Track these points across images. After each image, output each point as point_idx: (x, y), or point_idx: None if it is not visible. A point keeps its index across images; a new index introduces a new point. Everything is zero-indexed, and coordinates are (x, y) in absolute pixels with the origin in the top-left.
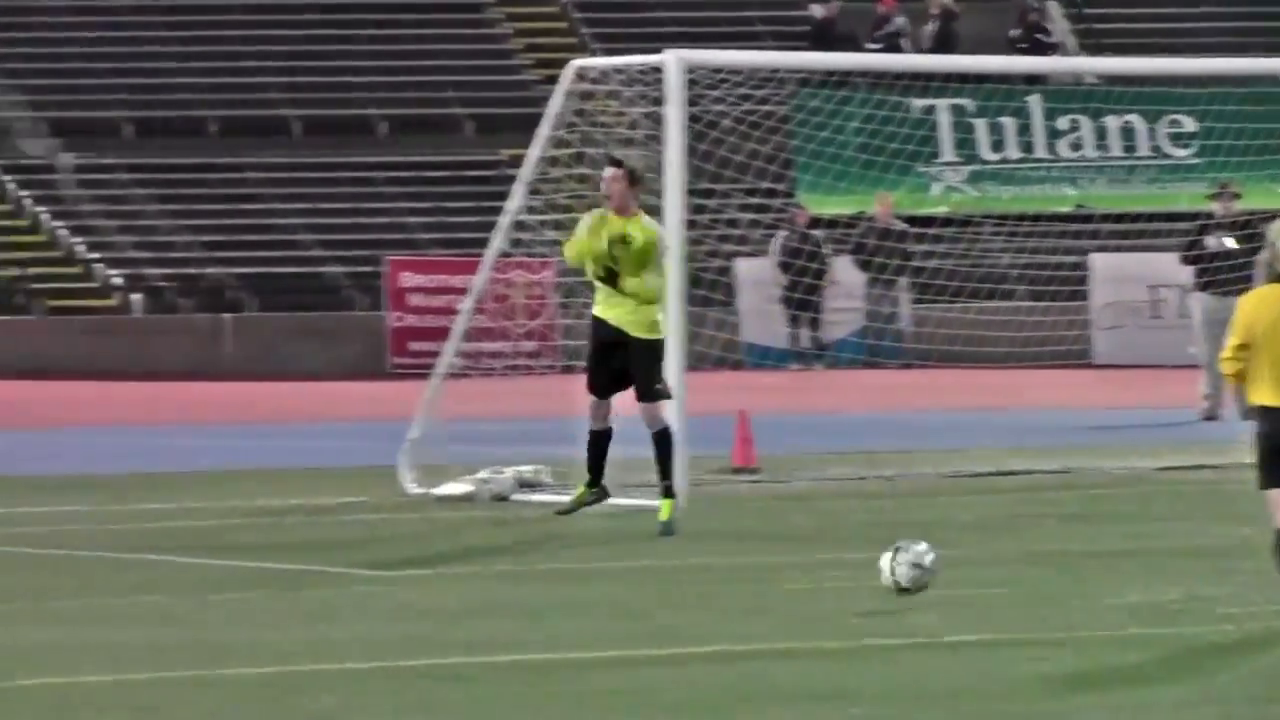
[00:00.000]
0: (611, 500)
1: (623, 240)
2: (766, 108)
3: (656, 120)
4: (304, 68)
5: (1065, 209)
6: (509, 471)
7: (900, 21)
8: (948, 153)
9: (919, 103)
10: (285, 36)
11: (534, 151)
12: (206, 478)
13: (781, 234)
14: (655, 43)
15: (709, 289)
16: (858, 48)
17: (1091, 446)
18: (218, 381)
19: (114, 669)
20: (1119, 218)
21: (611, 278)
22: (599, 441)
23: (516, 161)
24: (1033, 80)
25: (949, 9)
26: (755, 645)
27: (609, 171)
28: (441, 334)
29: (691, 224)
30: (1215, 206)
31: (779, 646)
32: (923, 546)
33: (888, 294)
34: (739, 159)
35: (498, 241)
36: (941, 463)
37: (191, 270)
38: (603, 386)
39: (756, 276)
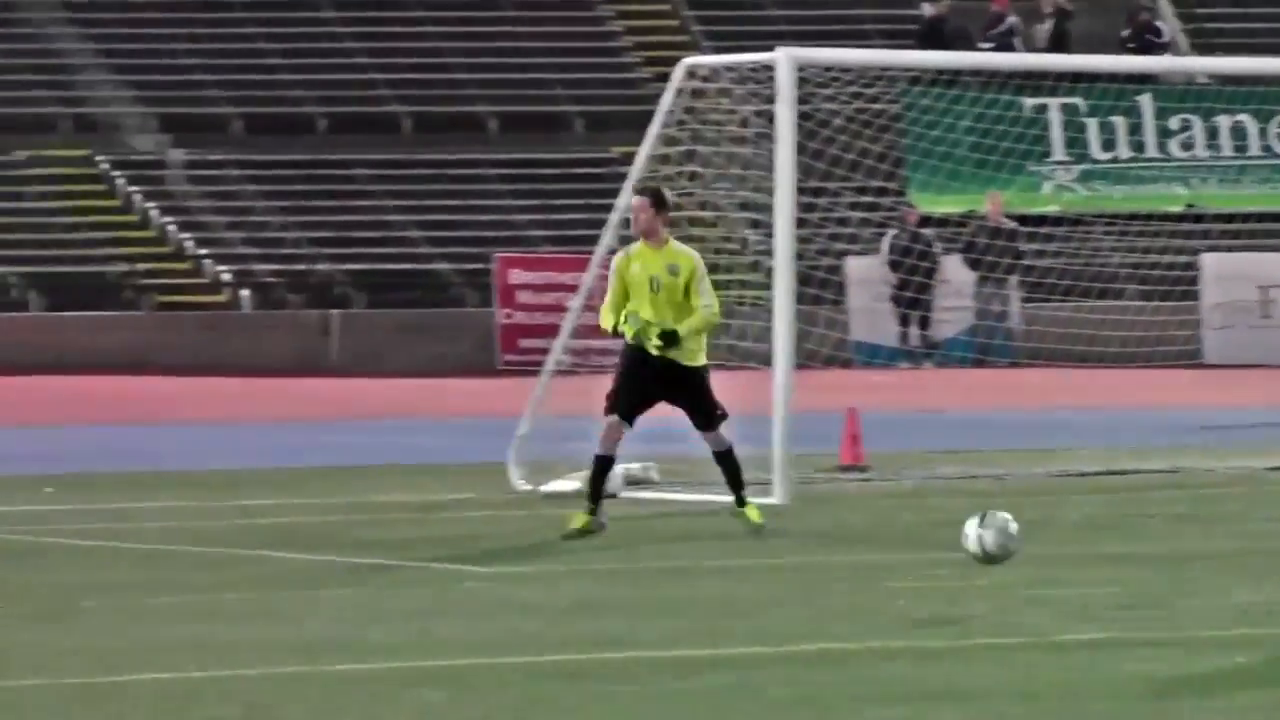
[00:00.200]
0: (719, 498)
1: (670, 271)
2: (877, 106)
3: (767, 118)
4: (414, 64)
5: (1176, 209)
6: (617, 469)
7: (1013, 21)
8: (1059, 152)
9: (1030, 102)
10: (396, 33)
11: (644, 149)
12: (314, 474)
13: (892, 233)
14: (766, 41)
15: (819, 288)
16: (969, 46)
17: (1201, 446)
18: (325, 378)
19: (220, 665)
20: (1230, 218)
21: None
22: (605, 467)
23: (626, 159)
24: (1144, 80)
25: (1063, 7)
26: (863, 644)
27: (635, 200)
28: (551, 331)
29: (802, 222)
30: None
31: (887, 645)
32: (1007, 515)
33: (998, 293)
34: (849, 157)
35: (607, 239)
36: (1050, 462)
37: (300, 266)
38: (633, 408)
39: (866, 275)
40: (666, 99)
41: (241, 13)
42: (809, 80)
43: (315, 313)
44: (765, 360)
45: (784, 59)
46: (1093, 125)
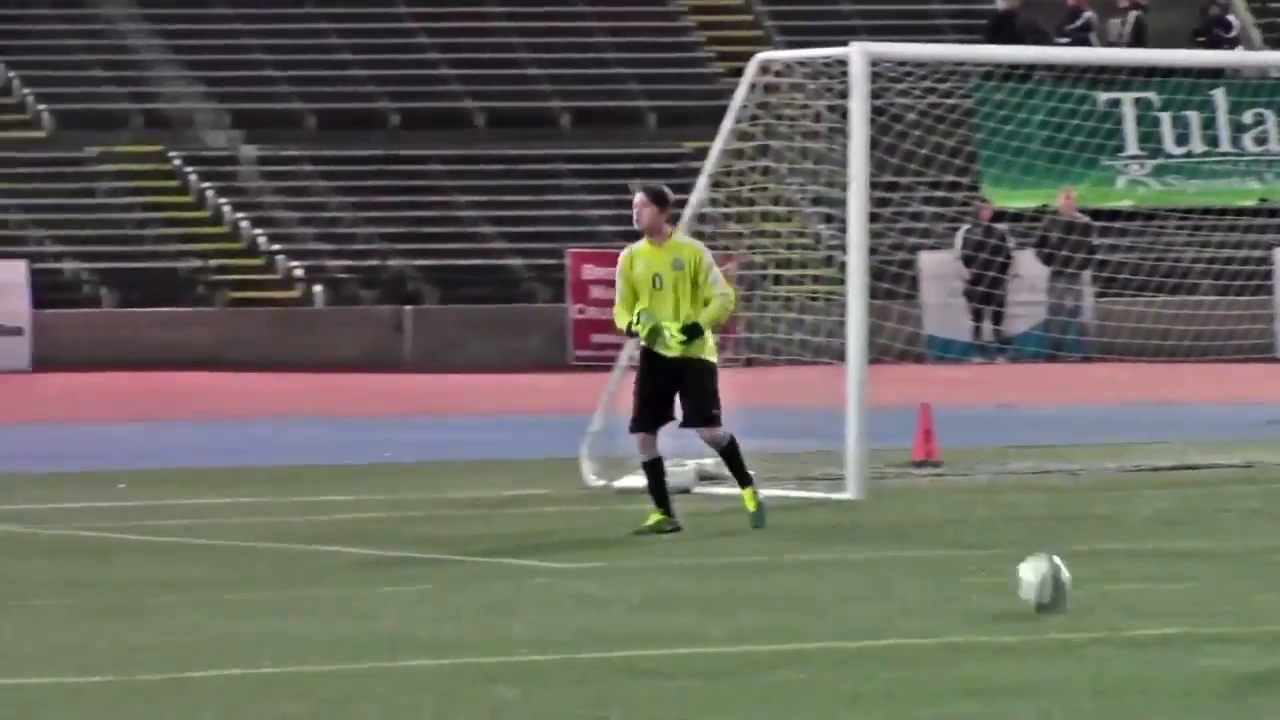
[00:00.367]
0: (792, 493)
1: (675, 265)
2: (950, 101)
3: (840, 113)
4: (486, 60)
5: (1249, 203)
6: (689, 464)
7: (1090, 15)
8: (1132, 146)
9: (1104, 96)
10: (468, 28)
11: (717, 144)
12: (386, 470)
13: (965, 228)
14: (839, 35)
15: (892, 283)
16: (1040, 41)
17: (1275, 441)
18: (398, 373)
19: (292, 661)
20: None
21: (661, 304)
22: (656, 469)
23: (700, 154)
24: (1217, 74)
25: (1139, 2)
26: (936, 639)
27: (637, 198)
28: None
29: (875, 217)
30: None
31: (960, 640)
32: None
33: (1071, 287)
34: (923, 152)
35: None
36: (1123, 457)
37: (373, 262)
38: (656, 419)
39: (939, 270)
40: (740, 94)
41: (313, 8)
42: (882, 75)
43: (387, 308)
44: (839, 355)
45: (857, 54)
46: (1166, 120)
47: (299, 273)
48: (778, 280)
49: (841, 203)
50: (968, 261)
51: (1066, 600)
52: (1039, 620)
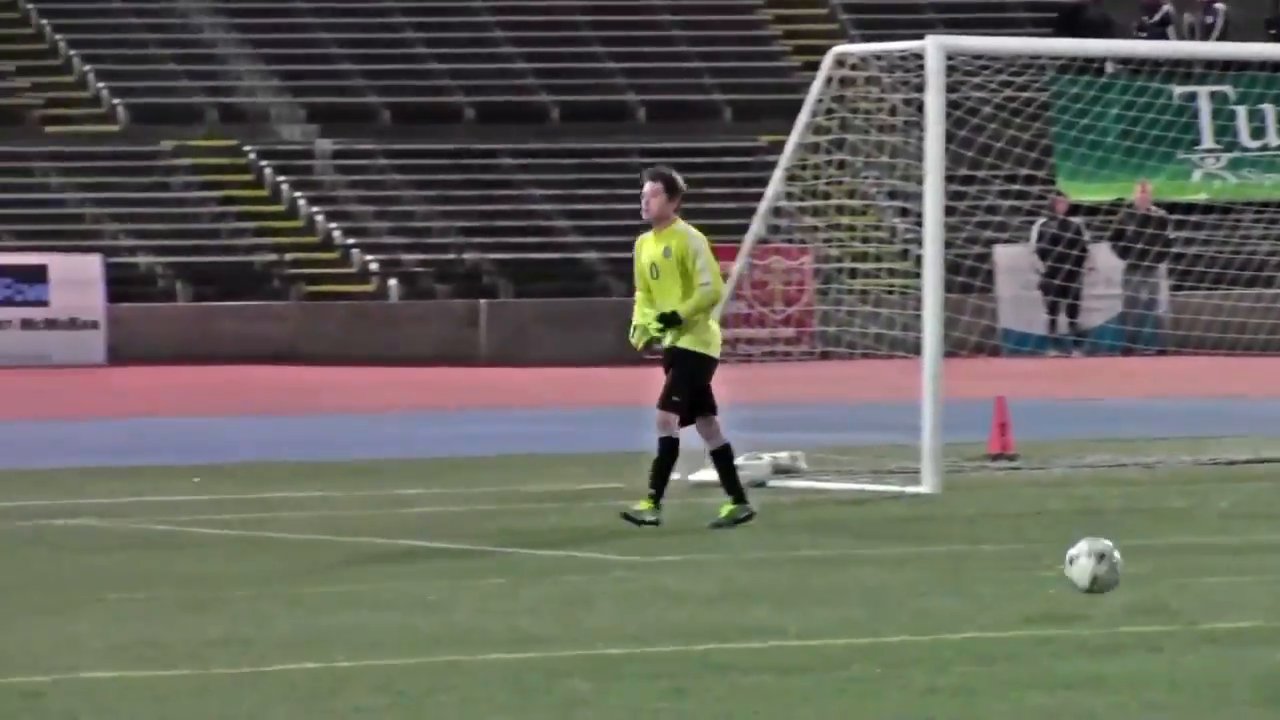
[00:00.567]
0: (867, 486)
1: (664, 253)
2: (1026, 94)
3: (916, 107)
4: (561, 54)
5: None
6: (765, 457)
7: (1168, 9)
8: (1208, 140)
9: (1179, 89)
10: (542, 23)
11: (793, 138)
12: (461, 464)
13: (1041, 221)
14: (915, 29)
15: (968, 276)
16: (1110, 34)
17: None
18: (473, 367)
19: (368, 655)
20: None
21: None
22: (724, 455)
23: (775, 148)
24: None
25: None
26: (1011, 633)
27: (648, 186)
28: None
29: (951, 211)
30: None
31: (1035, 634)
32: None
33: (1146, 281)
34: (998, 145)
35: (755, 228)
36: (1199, 450)
37: (448, 256)
38: (693, 406)
39: (1015, 263)
40: (815, 87)
41: (388, 2)
42: (958, 68)
43: (462, 302)
44: (914, 349)
45: (933, 47)
46: (1242, 113)
47: (374, 267)
48: (853, 274)
49: (917, 196)
50: (1043, 255)
51: (1117, 571)
52: (1114, 614)
